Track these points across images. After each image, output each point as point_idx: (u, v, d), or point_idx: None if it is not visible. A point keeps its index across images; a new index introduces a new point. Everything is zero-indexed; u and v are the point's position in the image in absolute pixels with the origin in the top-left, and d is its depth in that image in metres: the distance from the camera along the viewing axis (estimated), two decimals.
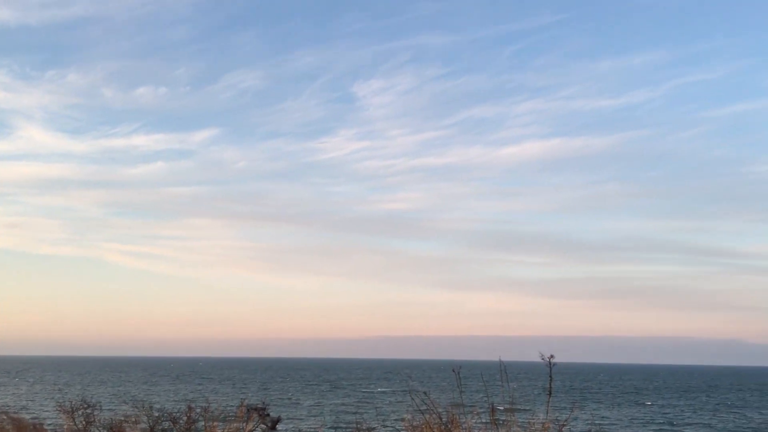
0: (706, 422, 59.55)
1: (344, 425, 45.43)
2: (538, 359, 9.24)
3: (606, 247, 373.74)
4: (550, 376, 8.89)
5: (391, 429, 38.96)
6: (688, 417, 63.68)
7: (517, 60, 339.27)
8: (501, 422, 9.92)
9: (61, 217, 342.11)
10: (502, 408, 10.19)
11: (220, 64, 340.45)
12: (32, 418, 31.29)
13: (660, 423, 57.25)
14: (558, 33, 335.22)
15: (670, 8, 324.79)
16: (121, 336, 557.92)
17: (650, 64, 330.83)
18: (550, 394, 9.34)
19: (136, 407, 19.24)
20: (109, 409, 27.82)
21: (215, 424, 16.14)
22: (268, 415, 19.80)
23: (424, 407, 10.18)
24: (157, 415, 18.51)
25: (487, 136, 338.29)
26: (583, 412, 60.32)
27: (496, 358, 10.01)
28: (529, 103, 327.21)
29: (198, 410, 17.34)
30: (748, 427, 56.43)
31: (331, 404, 68.61)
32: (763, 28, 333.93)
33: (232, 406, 20.61)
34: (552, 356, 8.81)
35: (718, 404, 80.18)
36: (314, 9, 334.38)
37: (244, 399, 17.88)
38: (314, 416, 55.09)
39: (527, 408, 45.71)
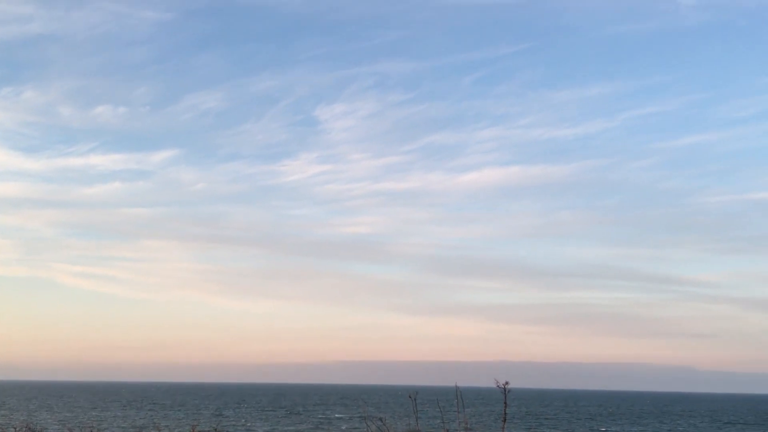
0: None
1: None
2: (495, 385, 9.23)
3: (562, 273, 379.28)
4: (505, 402, 8.89)
5: None
6: None
7: (477, 88, 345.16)
8: None
9: (13, 237, 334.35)
10: None
11: (181, 85, 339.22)
12: None
13: None
14: (517, 63, 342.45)
15: (626, 41, 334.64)
16: (71, 360, 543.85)
17: (607, 95, 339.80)
18: (504, 420, 9.33)
19: None
20: None
21: None
22: None
23: None
24: None
25: (447, 162, 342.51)
26: None
27: (453, 384, 9.97)
28: (489, 131, 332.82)
29: None
30: None
31: (286, 431, 67.71)
32: (713, 64, 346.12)
33: None
34: (507, 382, 8.81)
35: (669, 430, 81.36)
36: (276, 32, 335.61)
37: (196, 425, 17.54)
38: None
39: None
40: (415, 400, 10.23)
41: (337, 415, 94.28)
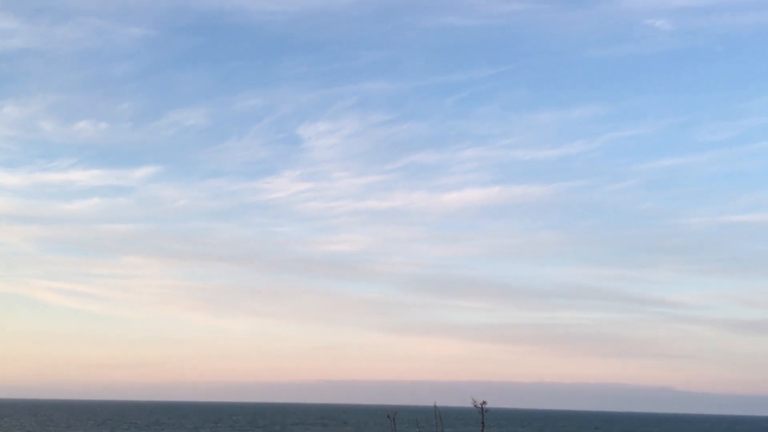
0: None
1: None
2: (472, 404, 9.32)
3: (543, 293, 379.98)
4: (482, 422, 9.01)
5: None
6: None
7: (459, 108, 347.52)
8: None
9: None
10: None
11: (164, 101, 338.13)
12: None
13: None
14: (499, 84, 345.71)
15: (606, 65, 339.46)
16: (47, 377, 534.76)
17: (587, 117, 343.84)
18: None
19: None
20: None
21: None
22: None
23: None
24: None
25: (429, 181, 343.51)
26: None
27: (432, 404, 10.07)
28: (471, 151, 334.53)
29: None
30: None
31: None
32: (691, 88, 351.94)
33: None
34: (484, 402, 8.92)
35: None
36: (260, 51, 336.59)
37: None
38: None
39: None
40: (393, 420, 10.27)
41: None
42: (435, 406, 10.11)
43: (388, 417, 10.55)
